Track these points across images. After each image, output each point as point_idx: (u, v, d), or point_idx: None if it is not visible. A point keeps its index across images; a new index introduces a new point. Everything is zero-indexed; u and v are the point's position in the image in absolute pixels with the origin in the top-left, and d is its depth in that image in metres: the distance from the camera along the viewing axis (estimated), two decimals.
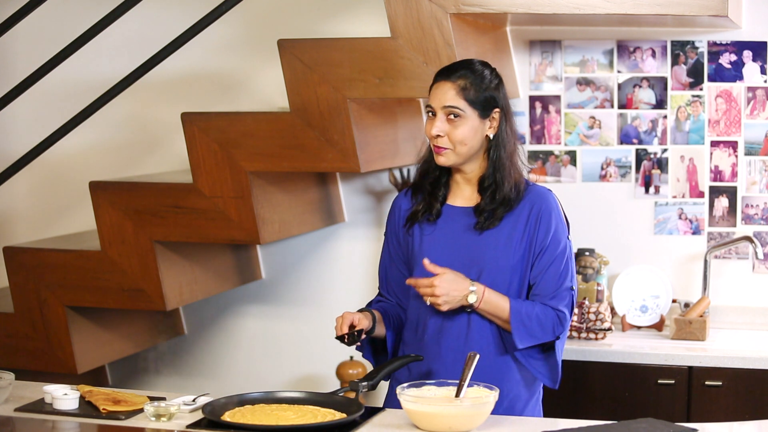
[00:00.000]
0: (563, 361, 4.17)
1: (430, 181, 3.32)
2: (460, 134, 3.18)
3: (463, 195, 3.30)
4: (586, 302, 4.40)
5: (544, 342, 3.23)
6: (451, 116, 3.18)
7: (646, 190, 4.70)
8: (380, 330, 3.34)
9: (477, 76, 3.21)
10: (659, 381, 4.13)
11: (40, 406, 3.11)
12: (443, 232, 3.28)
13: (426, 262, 3.16)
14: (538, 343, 3.23)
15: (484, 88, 3.20)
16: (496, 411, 3.03)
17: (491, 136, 3.23)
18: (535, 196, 3.26)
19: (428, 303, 3.16)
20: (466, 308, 3.19)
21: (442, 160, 3.22)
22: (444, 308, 3.15)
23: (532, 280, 3.25)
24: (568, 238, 3.29)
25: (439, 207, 3.30)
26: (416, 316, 3.33)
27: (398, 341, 3.41)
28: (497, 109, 3.22)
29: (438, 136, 3.19)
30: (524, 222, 3.23)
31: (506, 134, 3.24)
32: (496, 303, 3.19)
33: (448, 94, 3.18)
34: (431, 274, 3.16)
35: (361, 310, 3.30)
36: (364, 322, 3.21)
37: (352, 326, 3.19)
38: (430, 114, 3.23)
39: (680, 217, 4.67)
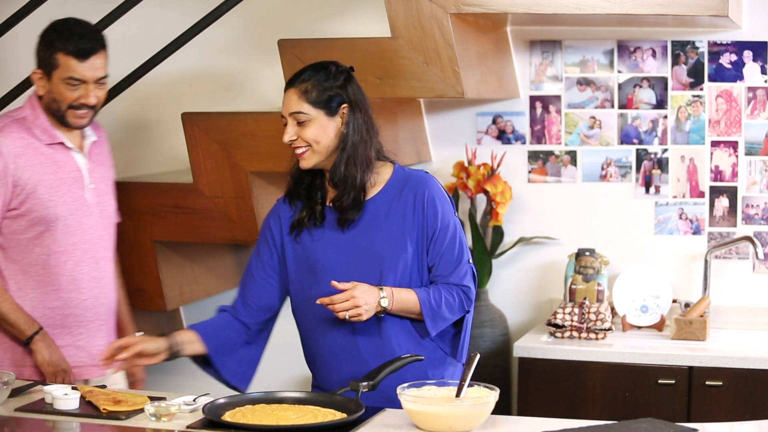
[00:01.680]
0: (565, 360, 4.20)
1: (305, 186, 3.36)
2: (310, 134, 3.25)
3: None
4: (587, 302, 4.40)
5: (453, 321, 3.30)
6: (299, 121, 3.25)
7: (647, 190, 4.70)
8: (195, 349, 3.32)
9: (318, 77, 3.28)
10: (659, 381, 4.13)
11: (41, 406, 3.10)
12: (332, 234, 3.31)
13: (334, 282, 3.17)
14: (449, 324, 3.30)
15: (326, 87, 3.27)
16: None
17: (345, 132, 3.28)
18: (416, 182, 3.32)
19: (347, 318, 3.16)
20: (378, 313, 3.22)
21: (305, 163, 3.29)
22: (364, 318, 3.18)
23: (430, 263, 3.30)
24: (455, 215, 3.35)
25: (321, 209, 3.33)
26: (313, 334, 3.37)
27: (227, 355, 3.40)
28: (344, 105, 3.28)
29: (291, 141, 3.27)
30: (411, 209, 3.29)
31: (353, 126, 3.28)
32: (406, 299, 3.23)
33: (292, 101, 3.26)
34: (335, 289, 3.17)
35: (162, 334, 3.29)
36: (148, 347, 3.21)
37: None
38: (285, 124, 3.29)
39: (680, 217, 4.67)
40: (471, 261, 3.34)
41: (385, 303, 3.19)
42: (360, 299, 3.14)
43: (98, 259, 3.73)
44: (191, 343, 3.30)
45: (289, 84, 3.29)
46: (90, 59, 3.57)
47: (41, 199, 3.60)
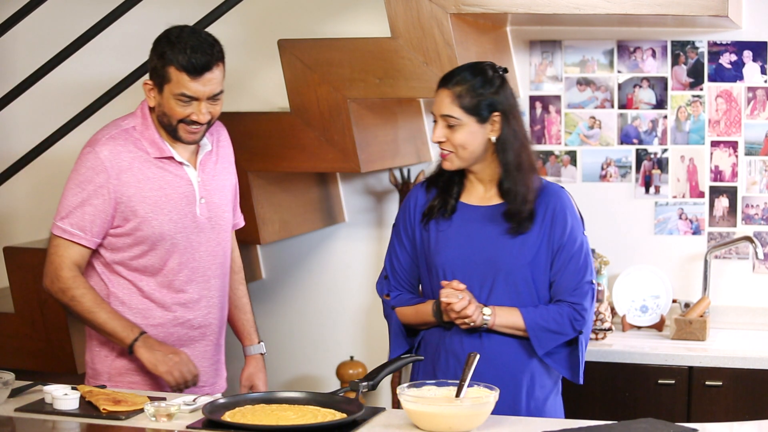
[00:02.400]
0: None
1: (444, 179, 3.37)
2: (459, 139, 3.25)
3: (477, 193, 3.35)
4: None
5: (565, 340, 3.28)
6: (450, 124, 3.24)
7: (647, 190, 4.70)
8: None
9: (474, 82, 3.25)
10: (659, 381, 4.13)
11: (41, 406, 3.10)
12: (458, 230, 3.32)
13: (456, 282, 3.22)
14: (559, 343, 3.28)
15: (480, 93, 3.24)
16: (521, 408, 3.19)
17: (494, 139, 3.26)
18: (549, 194, 3.31)
19: (455, 319, 3.22)
20: (479, 329, 3.25)
21: (447, 164, 3.30)
22: (463, 327, 3.24)
23: (552, 278, 3.29)
24: (583, 234, 3.33)
25: (453, 203, 3.34)
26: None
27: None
28: (497, 113, 3.25)
29: (440, 141, 3.27)
30: (540, 220, 3.28)
31: (510, 136, 3.27)
32: (509, 318, 3.25)
33: (444, 103, 3.25)
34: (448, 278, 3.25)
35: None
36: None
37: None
38: (435, 121, 3.29)
39: (680, 217, 4.67)
40: (594, 282, 3.32)
41: (487, 318, 3.22)
42: (472, 310, 3.19)
43: (208, 278, 3.51)
44: None
45: (443, 83, 3.28)
46: (204, 76, 3.30)
47: (145, 217, 3.38)
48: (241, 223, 3.76)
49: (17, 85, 4.40)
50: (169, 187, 3.42)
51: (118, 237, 3.40)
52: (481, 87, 3.24)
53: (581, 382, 3.32)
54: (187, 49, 3.29)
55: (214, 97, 3.35)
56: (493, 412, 2.95)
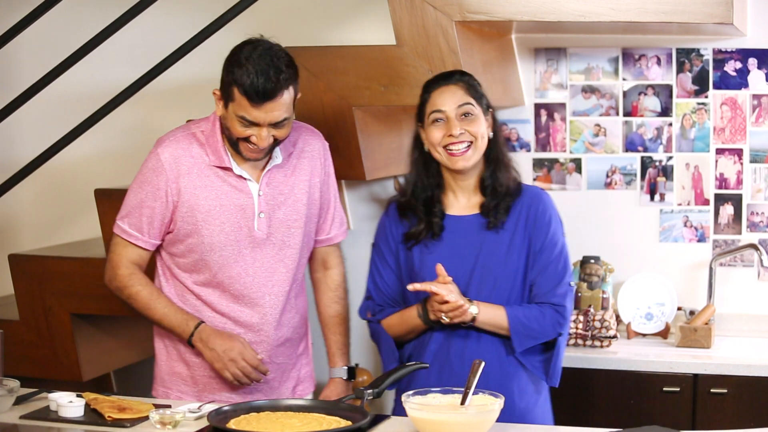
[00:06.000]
0: (570, 368, 4.19)
1: (423, 199, 3.35)
2: (481, 128, 3.27)
3: (460, 204, 3.35)
4: (591, 310, 4.39)
5: (544, 341, 3.27)
6: (465, 114, 3.26)
7: (651, 198, 4.70)
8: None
9: (472, 79, 3.34)
10: (664, 389, 4.13)
11: (45, 413, 3.10)
12: (446, 243, 3.32)
13: (439, 266, 3.19)
14: (538, 343, 3.28)
15: (480, 90, 3.33)
16: (509, 414, 3.11)
17: (491, 135, 3.32)
18: (530, 197, 3.33)
19: (442, 317, 3.20)
20: (463, 324, 3.24)
21: (466, 163, 3.27)
22: (445, 322, 3.22)
23: (532, 280, 3.28)
24: (563, 236, 3.34)
25: (440, 222, 3.32)
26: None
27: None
28: (491, 109, 3.33)
29: (460, 134, 3.24)
30: (523, 224, 3.29)
31: (499, 134, 3.35)
32: (493, 314, 3.24)
33: (458, 94, 3.27)
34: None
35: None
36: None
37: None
38: (438, 120, 3.26)
39: (685, 225, 4.67)
40: (573, 284, 3.32)
41: (472, 313, 3.20)
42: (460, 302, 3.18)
43: (263, 295, 3.37)
44: None
45: (444, 81, 3.29)
46: (265, 104, 3.14)
47: (197, 225, 3.28)
48: (338, 238, 3.62)
49: (22, 93, 4.41)
50: (226, 198, 3.30)
51: (173, 243, 3.35)
52: (477, 83, 3.33)
53: (557, 385, 3.32)
54: (252, 74, 3.14)
55: (277, 124, 3.21)
56: None
